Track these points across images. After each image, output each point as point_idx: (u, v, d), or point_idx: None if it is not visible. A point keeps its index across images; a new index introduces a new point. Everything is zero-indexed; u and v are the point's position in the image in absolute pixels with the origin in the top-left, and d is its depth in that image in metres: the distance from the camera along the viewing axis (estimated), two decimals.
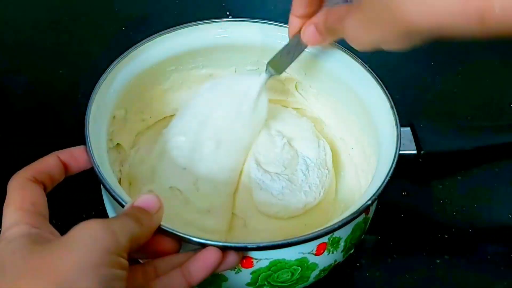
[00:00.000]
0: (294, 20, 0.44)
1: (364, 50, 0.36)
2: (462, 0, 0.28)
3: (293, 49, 0.47)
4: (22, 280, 0.29)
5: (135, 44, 0.48)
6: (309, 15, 0.43)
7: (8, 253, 0.31)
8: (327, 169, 0.49)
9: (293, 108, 0.56)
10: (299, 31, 0.45)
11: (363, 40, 0.36)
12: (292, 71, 0.52)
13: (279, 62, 0.47)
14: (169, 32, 0.50)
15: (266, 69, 0.48)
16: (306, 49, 0.47)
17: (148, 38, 0.49)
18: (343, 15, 0.37)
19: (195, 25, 0.51)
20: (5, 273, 0.30)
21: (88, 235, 0.31)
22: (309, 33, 0.43)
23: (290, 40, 0.46)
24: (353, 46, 0.37)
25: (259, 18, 0.51)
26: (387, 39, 0.33)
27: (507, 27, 0.28)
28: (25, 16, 0.73)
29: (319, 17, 0.43)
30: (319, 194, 0.47)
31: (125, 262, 0.32)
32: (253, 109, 0.48)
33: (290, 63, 0.47)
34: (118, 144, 0.49)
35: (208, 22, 0.51)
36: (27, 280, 0.29)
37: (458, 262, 0.51)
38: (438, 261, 0.51)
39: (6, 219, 0.34)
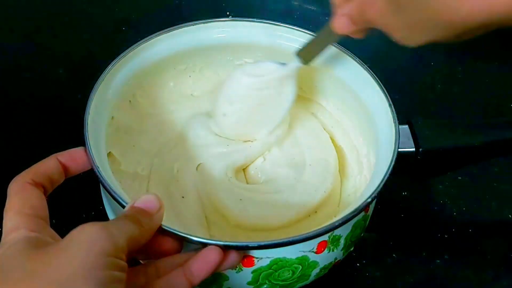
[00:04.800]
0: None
1: (409, 46, 0.35)
2: None
3: (322, 40, 0.45)
4: (21, 284, 0.29)
5: (134, 44, 0.48)
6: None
7: (8, 258, 0.31)
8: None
9: None
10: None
11: (411, 40, 0.34)
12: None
13: (307, 52, 0.46)
14: (168, 32, 0.50)
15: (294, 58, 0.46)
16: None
17: (147, 38, 0.49)
18: (383, 8, 0.35)
19: (194, 24, 0.51)
20: (5, 278, 0.30)
21: (85, 237, 0.31)
22: (341, 23, 0.40)
23: (320, 31, 0.45)
24: (397, 42, 0.35)
25: (259, 18, 0.51)
26: (436, 35, 0.33)
27: None
28: (25, 15, 0.73)
29: (352, 8, 0.39)
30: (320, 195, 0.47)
31: (123, 264, 0.32)
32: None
33: (319, 53, 0.46)
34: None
35: (208, 22, 0.51)
36: (26, 284, 0.29)
37: (458, 262, 0.51)
38: (438, 261, 0.51)
39: (6, 224, 0.34)
